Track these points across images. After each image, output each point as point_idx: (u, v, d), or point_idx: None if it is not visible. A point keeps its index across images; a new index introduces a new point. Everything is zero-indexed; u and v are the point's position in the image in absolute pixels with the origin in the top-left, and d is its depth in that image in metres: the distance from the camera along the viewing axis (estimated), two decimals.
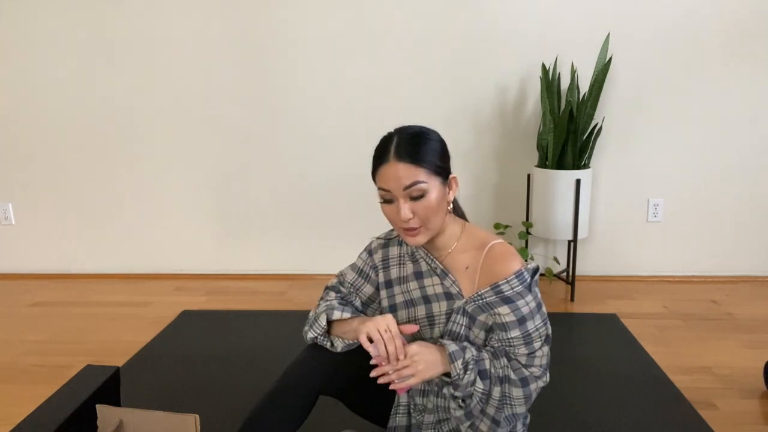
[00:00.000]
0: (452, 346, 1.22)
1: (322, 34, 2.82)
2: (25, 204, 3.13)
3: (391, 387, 1.23)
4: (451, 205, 1.29)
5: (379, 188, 1.22)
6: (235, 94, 2.91)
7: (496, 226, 2.83)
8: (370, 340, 1.22)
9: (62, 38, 2.89)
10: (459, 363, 1.20)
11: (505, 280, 1.19)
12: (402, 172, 1.17)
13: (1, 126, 3.03)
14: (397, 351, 1.20)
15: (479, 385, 1.22)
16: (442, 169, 1.22)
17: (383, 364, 1.21)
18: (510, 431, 1.31)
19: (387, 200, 1.22)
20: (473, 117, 2.85)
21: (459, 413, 1.28)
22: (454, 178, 1.27)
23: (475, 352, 1.23)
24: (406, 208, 1.19)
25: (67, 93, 2.96)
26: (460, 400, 1.26)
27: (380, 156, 1.22)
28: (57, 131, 3.01)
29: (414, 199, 1.19)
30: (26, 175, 3.09)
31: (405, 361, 1.19)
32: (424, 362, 1.20)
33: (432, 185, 1.19)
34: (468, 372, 1.21)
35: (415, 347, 1.21)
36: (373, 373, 1.22)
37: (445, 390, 1.26)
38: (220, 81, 2.90)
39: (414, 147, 1.19)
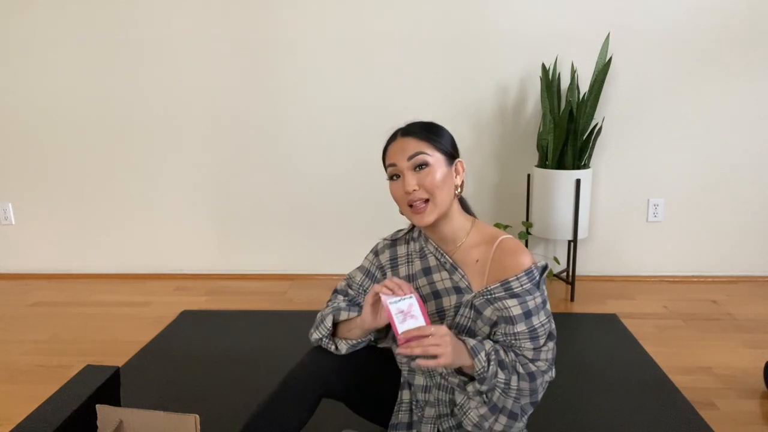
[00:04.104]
0: (471, 341, 1.21)
1: (323, 35, 2.82)
2: (25, 204, 3.13)
3: (416, 363, 1.16)
4: (459, 189, 1.32)
5: (387, 166, 1.29)
6: (235, 95, 2.91)
7: (496, 226, 2.82)
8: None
9: (63, 39, 2.89)
10: (482, 355, 1.19)
11: (515, 277, 1.21)
12: (407, 145, 1.26)
13: (2, 126, 3.03)
14: (403, 284, 1.20)
15: (500, 375, 1.21)
16: (447, 149, 1.29)
17: (392, 303, 1.18)
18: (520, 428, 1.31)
19: (394, 176, 1.27)
20: (473, 117, 2.85)
21: (483, 410, 1.25)
22: (461, 162, 1.32)
23: (491, 343, 1.23)
24: (411, 179, 1.24)
25: (67, 94, 2.96)
26: (485, 396, 1.25)
27: (390, 139, 1.31)
28: (57, 131, 3.01)
29: (418, 170, 1.24)
30: (26, 175, 3.09)
31: (433, 339, 1.13)
32: (452, 346, 1.15)
33: (436, 159, 1.25)
34: (491, 363, 1.20)
35: (445, 328, 1.16)
36: (399, 350, 1.16)
37: (469, 387, 1.24)
38: (220, 81, 2.90)
39: (420, 127, 1.29)
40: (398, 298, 1.18)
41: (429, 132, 1.27)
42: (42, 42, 2.90)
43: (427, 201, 1.25)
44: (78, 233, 3.14)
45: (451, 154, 1.30)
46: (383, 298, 1.19)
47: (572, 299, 2.71)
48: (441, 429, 1.35)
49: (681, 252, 2.96)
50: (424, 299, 1.35)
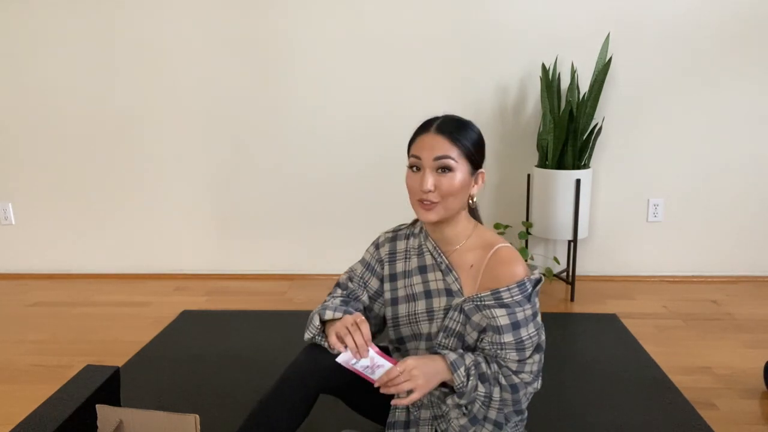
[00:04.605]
0: (451, 355, 1.22)
1: (322, 35, 2.82)
2: (25, 204, 3.13)
3: (393, 402, 1.23)
4: (474, 199, 1.31)
5: (411, 156, 1.27)
6: (235, 95, 2.91)
7: (496, 226, 2.83)
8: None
9: (63, 39, 2.89)
10: (462, 371, 1.20)
11: (506, 288, 1.20)
12: (437, 143, 1.23)
13: (1, 126, 3.03)
14: (363, 345, 1.20)
15: (481, 389, 1.22)
16: (475, 158, 1.26)
17: (354, 364, 1.21)
18: None
19: (414, 167, 1.26)
20: (473, 117, 2.79)
21: (463, 421, 1.27)
22: (483, 173, 1.30)
23: (472, 357, 1.24)
24: (429, 179, 1.22)
25: (67, 93, 2.96)
26: (464, 408, 1.26)
27: (422, 128, 1.28)
28: (57, 131, 3.01)
29: (440, 172, 1.22)
30: (26, 175, 3.09)
31: (403, 376, 1.17)
32: (423, 375, 1.18)
33: (460, 166, 1.23)
34: (471, 378, 1.21)
35: (411, 361, 1.19)
36: (382, 390, 1.21)
37: (449, 400, 1.26)
38: (220, 81, 2.90)
39: (455, 128, 1.25)
40: (355, 359, 1.21)
41: (462, 136, 1.24)
42: (42, 42, 2.90)
43: (438, 202, 1.24)
44: (78, 233, 3.14)
45: (477, 163, 1.27)
46: (344, 363, 1.21)
47: (572, 299, 2.71)
48: (439, 430, 1.35)
49: (681, 252, 2.96)
50: (415, 297, 1.36)
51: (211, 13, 2.82)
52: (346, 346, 1.21)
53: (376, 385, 1.20)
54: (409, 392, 1.19)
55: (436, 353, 1.28)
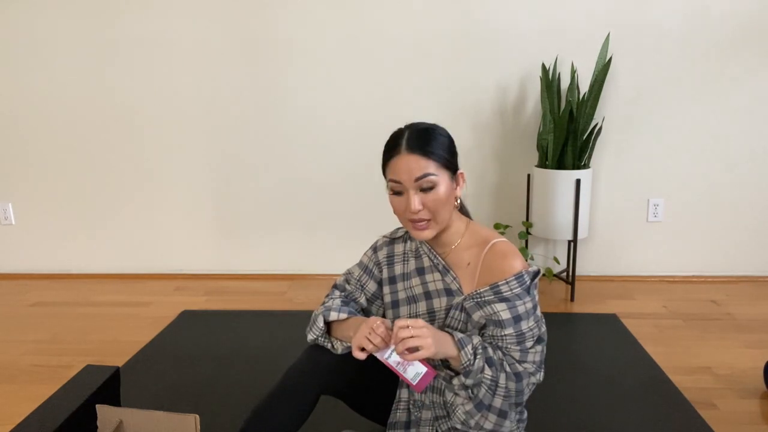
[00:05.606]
0: (459, 334, 1.22)
1: (322, 35, 2.82)
2: (25, 204, 3.13)
3: (398, 352, 1.18)
4: (459, 200, 1.31)
5: (390, 180, 1.25)
6: (235, 95, 2.91)
7: (496, 226, 2.83)
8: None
9: (63, 39, 2.89)
10: (469, 348, 1.19)
11: (504, 281, 1.20)
12: (413, 164, 1.20)
13: (2, 126, 3.03)
14: (385, 339, 1.19)
15: (487, 372, 1.21)
16: (451, 163, 1.25)
17: (387, 358, 1.20)
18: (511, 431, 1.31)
19: (397, 192, 1.24)
20: (473, 117, 2.85)
21: (469, 407, 1.25)
22: (462, 174, 1.30)
23: (479, 338, 1.23)
24: (416, 200, 1.21)
25: (67, 93, 2.96)
26: (470, 391, 1.24)
27: (391, 149, 1.25)
28: (57, 131, 3.01)
29: (424, 191, 1.21)
30: (26, 175, 3.09)
31: (412, 331, 1.13)
32: (432, 336, 1.15)
33: (441, 178, 1.22)
34: (477, 357, 1.20)
35: (422, 321, 1.16)
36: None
37: (455, 381, 1.24)
38: (220, 81, 2.90)
39: (424, 140, 1.22)
40: (389, 350, 1.20)
41: (433, 147, 1.21)
42: (42, 43, 2.90)
43: (429, 219, 1.24)
44: (78, 233, 3.14)
45: (454, 166, 1.27)
46: (379, 358, 1.20)
47: (572, 299, 2.71)
48: (440, 431, 1.35)
49: (681, 252, 2.96)
50: (415, 299, 1.36)
51: (211, 15, 2.82)
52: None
53: (414, 385, 1.18)
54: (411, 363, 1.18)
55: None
